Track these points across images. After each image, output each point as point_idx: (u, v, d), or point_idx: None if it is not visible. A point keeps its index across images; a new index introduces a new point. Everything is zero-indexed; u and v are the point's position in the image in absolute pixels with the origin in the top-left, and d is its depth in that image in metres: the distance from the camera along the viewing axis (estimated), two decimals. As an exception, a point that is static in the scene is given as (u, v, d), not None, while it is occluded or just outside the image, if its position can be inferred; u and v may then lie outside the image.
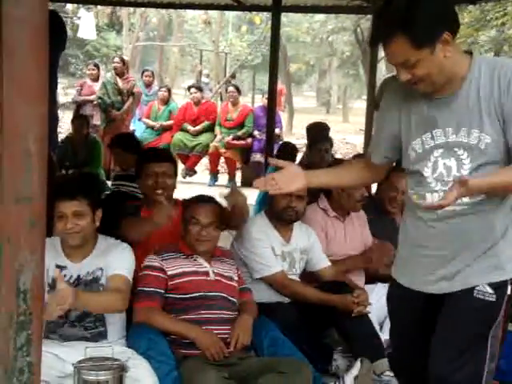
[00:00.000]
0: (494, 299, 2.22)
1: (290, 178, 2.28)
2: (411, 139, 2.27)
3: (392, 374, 3.16)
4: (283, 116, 12.97)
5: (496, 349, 2.30)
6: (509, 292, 2.25)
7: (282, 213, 3.54)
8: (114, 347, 2.69)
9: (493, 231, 2.23)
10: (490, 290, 2.22)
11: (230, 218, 3.34)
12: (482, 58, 2.20)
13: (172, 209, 3.16)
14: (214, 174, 9.44)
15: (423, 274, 2.32)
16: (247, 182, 9.47)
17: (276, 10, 7.11)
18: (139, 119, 9.71)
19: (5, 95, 1.63)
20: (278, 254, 3.55)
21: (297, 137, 15.17)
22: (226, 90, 10.31)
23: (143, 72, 10.54)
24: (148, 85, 10.12)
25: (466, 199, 2.16)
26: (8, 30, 1.60)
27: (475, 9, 13.91)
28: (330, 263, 3.71)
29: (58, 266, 2.83)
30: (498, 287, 2.23)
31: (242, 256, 3.50)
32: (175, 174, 3.59)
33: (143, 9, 18.83)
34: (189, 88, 10.06)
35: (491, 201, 2.19)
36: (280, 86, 17.58)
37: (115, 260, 2.88)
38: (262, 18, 16.22)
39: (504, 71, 2.11)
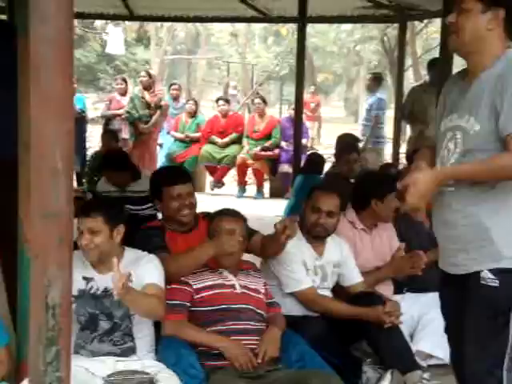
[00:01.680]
0: (497, 284, 2.27)
1: None
2: (441, 120, 2.44)
3: (425, 386, 3.13)
4: (312, 126, 12.98)
5: None
6: None
7: (310, 229, 3.53)
8: (144, 361, 2.71)
9: (478, 219, 2.29)
10: (491, 276, 2.28)
11: (270, 246, 3.34)
12: None
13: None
14: (242, 185, 9.47)
15: (445, 255, 2.46)
16: (275, 193, 9.49)
17: (301, 21, 7.15)
18: (167, 133, 9.79)
19: (33, 112, 1.65)
20: (309, 268, 3.53)
21: (325, 147, 15.13)
22: (253, 102, 10.33)
23: (170, 86, 10.63)
24: (175, 98, 10.19)
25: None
26: (35, 48, 1.63)
27: None
28: (362, 278, 3.67)
29: (84, 278, 2.85)
30: (500, 272, 2.27)
31: (273, 269, 3.49)
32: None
33: (171, 23, 19.01)
34: (217, 100, 10.13)
35: (473, 189, 2.27)
36: (316, 97, 17.74)
37: (146, 271, 2.89)
38: (289, 30, 16.26)
39: None
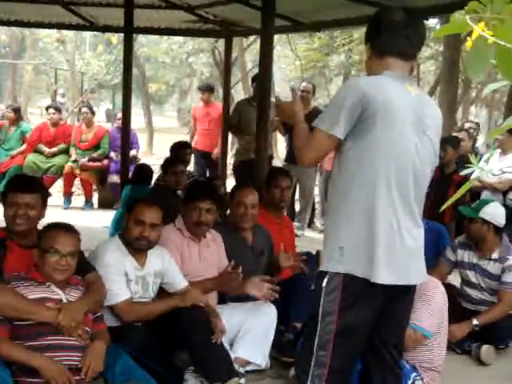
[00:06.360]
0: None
1: None
2: None
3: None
4: (143, 136, 12.86)
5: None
6: (324, 284, 2.49)
7: (134, 242, 3.50)
8: None
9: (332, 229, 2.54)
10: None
11: None
12: None
13: None
14: (68, 195, 9.18)
15: None
16: (104, 204, 9.29)
17: (128, 30, 7.09)
18: (-13, 141, 9.26)
19: None
20: (131, 278, 3.51)
21: (157, 157, 15.08)
22: (80, 111, 10.05)
23: (-12, 91, 10.08)
24: (-6, 104, 9.68)
25: None
26: None
27: (324, 35, 14.60)
28: (187, 283, 3.68)
29: None
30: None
31: None
32: (43, 204, 3.32)
33: (-7, 25, 18.00)
34: (47, 108, 9.72)
35: None
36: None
37: None
38: (119, 38, 16.03)
39: None
